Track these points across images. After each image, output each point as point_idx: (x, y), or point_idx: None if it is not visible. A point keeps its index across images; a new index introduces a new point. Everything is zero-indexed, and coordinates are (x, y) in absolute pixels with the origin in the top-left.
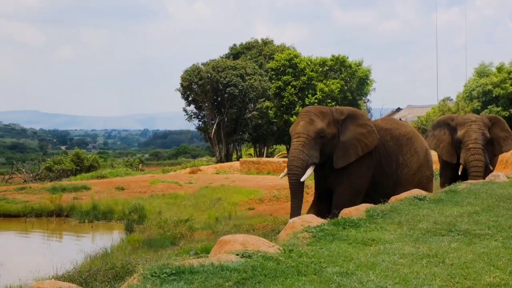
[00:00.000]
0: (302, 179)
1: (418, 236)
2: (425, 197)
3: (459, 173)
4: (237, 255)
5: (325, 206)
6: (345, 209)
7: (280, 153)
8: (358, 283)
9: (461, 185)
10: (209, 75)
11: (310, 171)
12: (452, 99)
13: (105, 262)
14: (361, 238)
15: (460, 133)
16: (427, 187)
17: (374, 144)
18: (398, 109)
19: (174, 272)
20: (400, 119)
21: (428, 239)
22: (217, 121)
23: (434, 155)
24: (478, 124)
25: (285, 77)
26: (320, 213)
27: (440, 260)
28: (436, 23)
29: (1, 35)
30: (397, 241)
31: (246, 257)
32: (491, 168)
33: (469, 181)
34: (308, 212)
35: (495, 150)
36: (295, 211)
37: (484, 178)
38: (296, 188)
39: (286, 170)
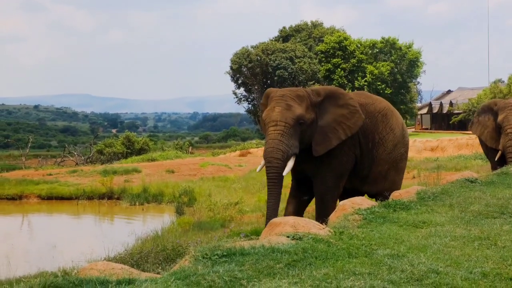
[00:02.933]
0: (284, 173)
1: (469, 218)
2: (477, 179)
3: (495, 159)
4: (288, 237)
5: (304, 194)
6: (395, 191)
7: None
8: (409, 265)
9: None
10: (259, 58)
11: (291, 163)
12: (503, 81)
13: (156, 244)
14: (412, 221)
15: (500, 118)
16: (401, 165)
17: (359, 125)
18: (449, 91)
19: (225, 254)
20: (451, 101)
21: (480, 222)
22: None
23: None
24: None
25: (334, 60)
26: (299, 204)
27: (492, 242)
28: (488, 4)
29: (51, 20)
30: (449, 224)
31: (296, 239)
32: None
33: None
34: (287, 205)
35: None
36: (272, 211)
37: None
38: (276, 183)
39: (262, 162)
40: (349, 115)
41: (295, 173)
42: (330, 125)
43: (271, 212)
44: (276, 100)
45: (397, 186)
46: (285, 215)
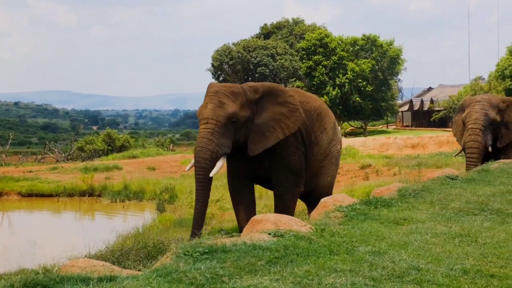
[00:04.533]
0: (211, 174)
1: (450, 215)
2: (457, 176)
3: (454, 156)
4: (269, 234)
5: (249, 195)
6: (376, 188)
7: None
8: (391, 262)
9: (493, 165)
10: (240, 55)
11: (220, 163)
12: (484, 78)
13: (137, 241)
14: (393, 218)
15: (464, 114)
16: (339, 160)
17: (298, 124)
18: (430, 89)
19: (206, 251)
20: (432, 99)
21: (461, 219)
22: None
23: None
24: (481, 105)
25: (316, 57)
26: (249, 206)
27: (472, 239)
28: (469, 1)
29: (33, 15)
30: (429, 221)
31: (278, 236)
32: (490, 150)
33: (502, 160)
34: (237, 211)
35: (510, 134)
36: (199, 214)
37: (483, 161)
38: (204, 185)
39: (193, 161)
40: (289, 114)
41: (239, 174)
42: (268, 124)
43: (199, 216)
44: (209, 96)
45: (334, 179)
46: (238, 221)
